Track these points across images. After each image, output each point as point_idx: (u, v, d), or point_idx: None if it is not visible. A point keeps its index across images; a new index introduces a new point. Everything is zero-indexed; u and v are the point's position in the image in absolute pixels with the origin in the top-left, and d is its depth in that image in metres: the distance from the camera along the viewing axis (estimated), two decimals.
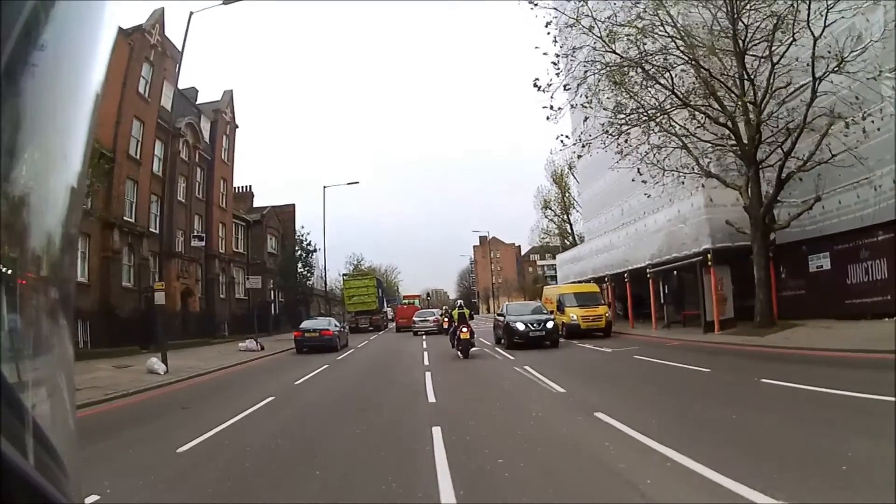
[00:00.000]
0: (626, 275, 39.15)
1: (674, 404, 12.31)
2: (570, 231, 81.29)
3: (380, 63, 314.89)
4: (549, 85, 28.21)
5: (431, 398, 14.74)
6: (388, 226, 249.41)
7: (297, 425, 12.33)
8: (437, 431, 10.31)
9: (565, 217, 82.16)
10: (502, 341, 29.55)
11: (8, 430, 0.87)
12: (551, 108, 28.75)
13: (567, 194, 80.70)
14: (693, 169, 29.05)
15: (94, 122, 1.22)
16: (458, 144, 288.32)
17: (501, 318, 30.40)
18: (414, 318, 51.86)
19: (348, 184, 57.25)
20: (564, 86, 28.91)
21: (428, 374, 19.23)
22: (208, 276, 49.36)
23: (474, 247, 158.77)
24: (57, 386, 1.20)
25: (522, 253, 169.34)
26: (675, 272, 35.86)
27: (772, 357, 19.57)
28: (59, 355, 1.20)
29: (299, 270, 49.17)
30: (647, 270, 35.25)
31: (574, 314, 33.02)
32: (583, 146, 30.86)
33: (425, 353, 27.91)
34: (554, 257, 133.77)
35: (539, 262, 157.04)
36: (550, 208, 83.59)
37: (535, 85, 28.12)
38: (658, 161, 29.15)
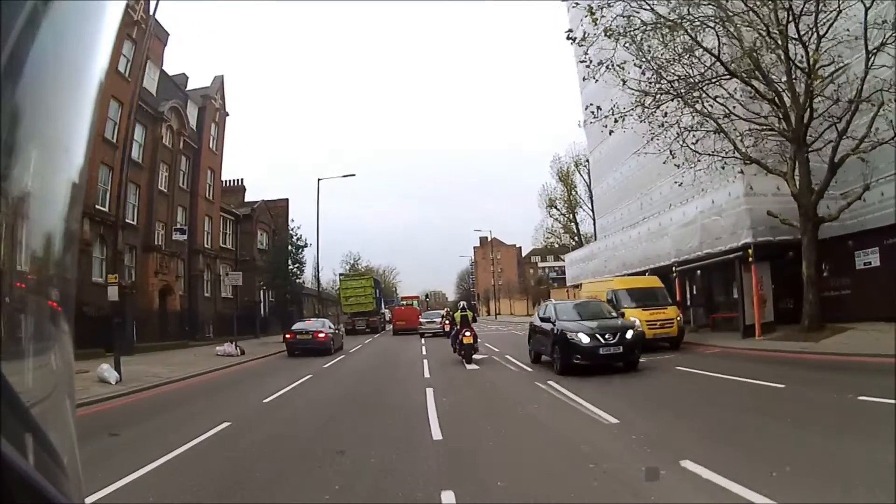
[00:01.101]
0: (646, 273, 35.14)
1: (774, 436, 9.23)
2: (576, 231, 79.45)
3: (380, 61, 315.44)
4: (585, 37, 25.85)
5: (436, 433, 10.73)
6: (387, 226, 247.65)
7: (244, 476, 8.61)
8: (448, 499, 6.83)
9: (571, 217, 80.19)
10: (553, 361, 19.35)
11: (8, 430, 0.86)
12: (588, 63, 26.32)
13: (573, 193, 79.02)
14: (731, 153, 26.02)
15: (94, 122, 1.23)
16: (458, 145, 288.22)
17: (548, 325, 20.05)
18: (420, 320, 50.74)
19: (344, 176, 54.77)
20: (606, 31, 25.16)
21: (430, 393, 15.51)
22: (192, 272, 45.86)
23: (474, 248, 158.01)
24: (57, 386, 1.17)
25: (523, 254, 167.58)
26: (698, 271, 33.32)
27: (843, 367, 16.51)
28: (59, 355, 1.16)
29: (290, 268, 45.56)
30: (673, 268, 32.08)
31: (636, 318, 22.90)
32: (615, 120, 27.32)
33: (425, 362, 24.40)
34: (556, 259, 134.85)
35: (540, 264, 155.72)
36: (556, 207, 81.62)
37: (568, 38, 26.89)
38: (692, 144, 26.32)
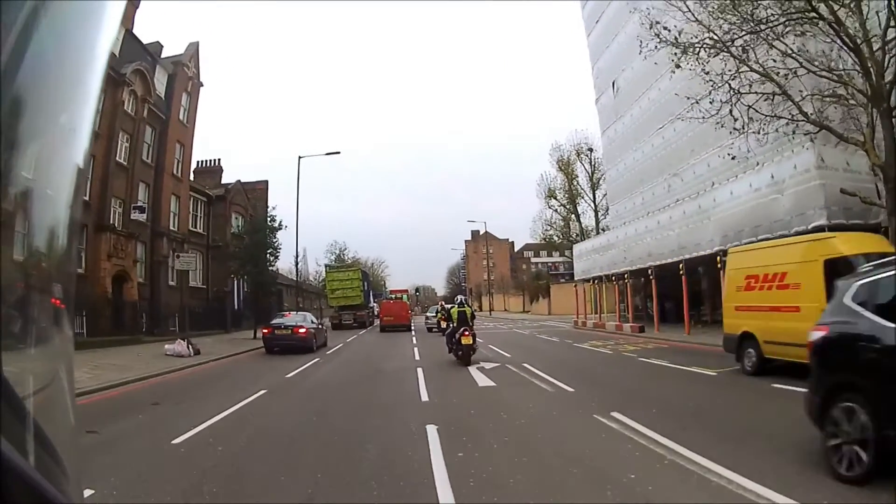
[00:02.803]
0: (681, 265, 31.03)
1: None
2: (577, 222, 76.08)
3: (370, 53, 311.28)
4: None
5: None
6: (374, 220, 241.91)
7: None
8: None
9: (572, 208, 76.34)
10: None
11: (8, 430, 0.88)
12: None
13: (574, 183, 75.35)
14: (796, 117, 21.19)
15: (94, 121, 1.33)
16: (449, 139, 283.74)
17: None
18: (427, 314, 50.45)
19: (327, 154, 48.66)
20: None
21: (433, 439, 9.89)
22: (154, 257, 40.55)
23: (466, 241, 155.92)
24: (57, 386, 1.21)
25: (516, 250, 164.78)
26: None
27: None
28: (60, 355, 1.23)
29: (264, 253, 40.14)
30: (719, 258, 26.74)
31: None
32: (683, 51, 21.92)
33: (419, 374, 19.26)
34: (550, 254, 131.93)
35: (534, 259, 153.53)
36: (555, 197, 77.57)
37: None
38: (747, 109, 21.89)
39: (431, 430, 10.38)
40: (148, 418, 12.88)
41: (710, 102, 23.08)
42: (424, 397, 14.86)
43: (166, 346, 26.57)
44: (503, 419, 11.66)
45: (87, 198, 31.82)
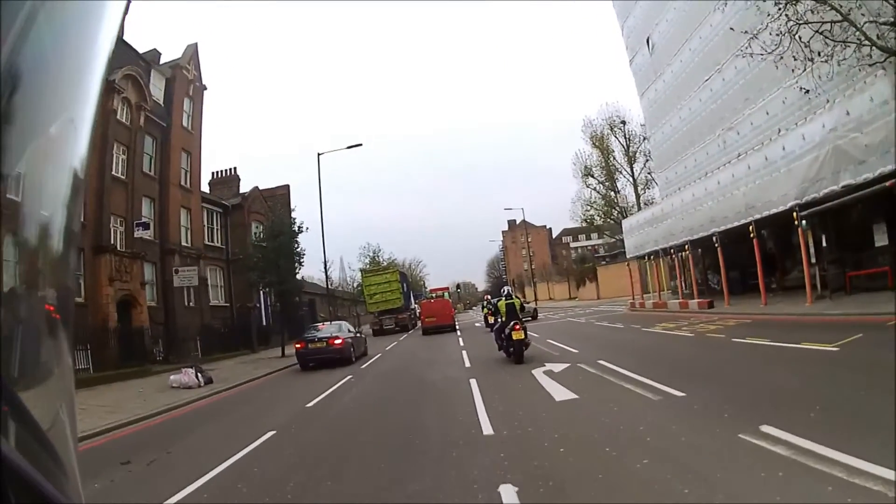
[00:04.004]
0: (751, 227, 27.31)
1: None
2: (615, 200, 73.01)
3: (391, 47, 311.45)
4: None
5: None
6: (407, 220, 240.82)
7: None
8: None
9: (611, 184, 73.24)
10: None
11: (8, 431, 0.89)
12: None
13: (611, 158, 72.31)
14: (863, 43, 19.32)
15: (95, 121, 1.23)
16: (477, 128, 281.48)
17: None
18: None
19: (348, 147, 44.51)
20: None
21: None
22: (166, 277, 37.27)
23: (503, 232, 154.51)
24: (57, 386, 1.18)
25: (553, 236, 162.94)
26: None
27: None
28: (59, 356, 1.17)
29: (282, 261, 36.37)
30: (796, 213, 23.85)
31: None
32: None
33: (473, 384, 15.52)
34: (589, 237, 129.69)
35: (573, 244, 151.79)
36: (593, 175, 74.24)
37: None
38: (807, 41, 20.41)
39: (509, 495, 6.71)
40: (103, 488, 9.28)
41: (770, 34, 21.41)
42: (487, 428, 10.45)
43: (171, 377, 23.33)
44: (613, 458, 7.74)
45: (81, 218, 28.52)
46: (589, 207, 76.22)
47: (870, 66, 19.59)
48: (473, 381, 15.94)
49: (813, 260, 25.16)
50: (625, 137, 70.14)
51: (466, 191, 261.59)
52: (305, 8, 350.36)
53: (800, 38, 20.08)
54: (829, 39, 19.64)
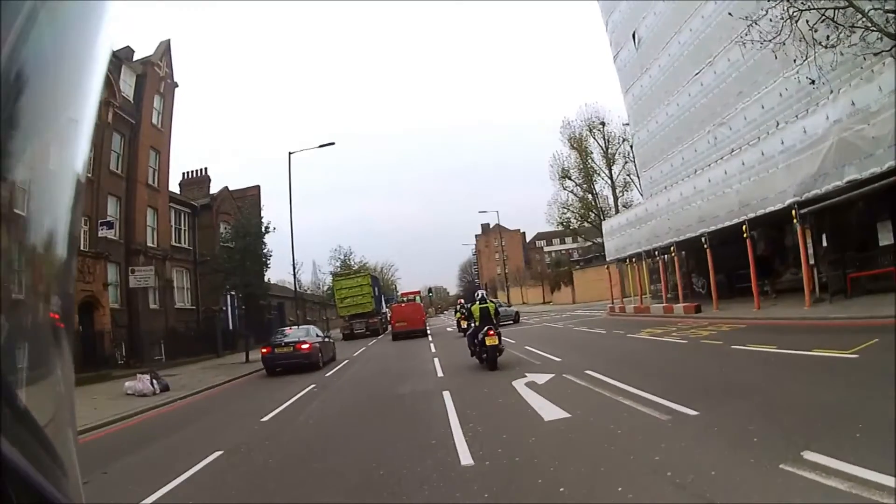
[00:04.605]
0: (744, 227, 26.04)
1: None
2: (592, 202, 72.62)
3: (368, 48, 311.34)
4: None
5: None
6: (378, 224, 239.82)
7: None
8: None
9: (587, 186, 72.91)
10: None
11: (8, 431, 0.89)
12: None
13: (589, 160, 72.03)
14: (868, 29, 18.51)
15: (95, 122, 1.24)
16: (451, 133, 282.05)
17: None
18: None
19: (321, 146, 43.39)
20: None
21: None
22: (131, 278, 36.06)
23: (476, 236, 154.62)
24: (57, 387, 1.18)
25: (527, 240, 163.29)
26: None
27: None
28: (59, 356, 1.17)
29: (248, 263, 34.97)
30: (794, 211, 22.84)
31: None
32: None
33: (448, 398, 13.94)
34: (563, 241, 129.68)
35: (546, 248, 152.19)
36: (570, 178, 73.88)
37: None
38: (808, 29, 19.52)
39: None
40: None
41: (771, 21, 20.51)
42: (465, 456, 8.73)
43: (125, 384, 22.02)
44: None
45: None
46: (565, 210, 76.12)
47: (875, 55, 18.67)
48: (447, 395, 14.49)
49: (811, 261, 23.95)
50: (604, 139, 70.04)
51: (440, 194, 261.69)
52: (284, 6, 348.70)
53: (807, 21, 19.15)
54: (836, 22, 18.73)
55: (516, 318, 46.56)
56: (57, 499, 0.94)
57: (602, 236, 49.12)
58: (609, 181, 69.84)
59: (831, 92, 21.58)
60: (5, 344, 0.93)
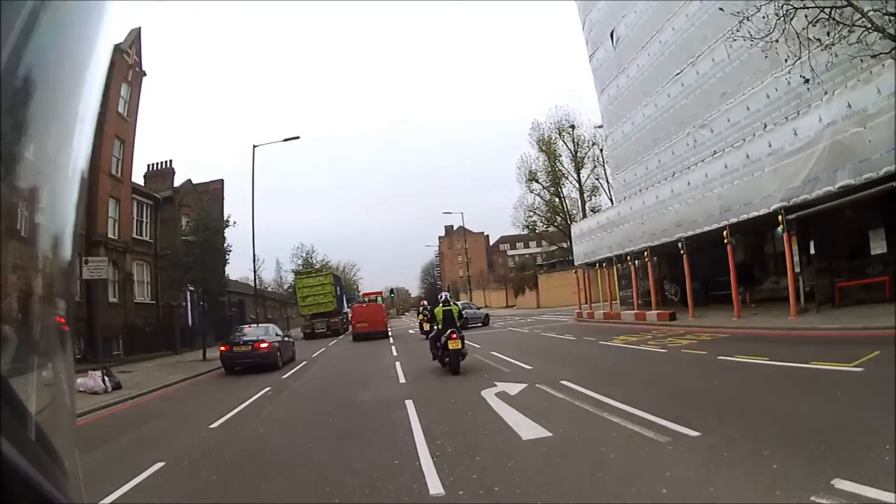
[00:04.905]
0: (725, 231, 25.50)
1: None
2: (561, 206, 72.94)
3: (333, 44, 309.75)
4: None
5: None
6: (342, 224, 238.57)
7: None
8: None
9: (555, 190, 73.25)
10: None
11: (8, 430, 0.89)
12: None
13: (557, 163, 72.29)
14: (867, 30, 18.14)
15: (96, 122, 1.27)
16: (418, 134, 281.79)
17: None
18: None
19: (285, 140, 42.95)
20: None
21: None
22: None
23: (440, 238, 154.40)
24: (57, 387, 1.20)
25: (491, 243, 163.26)
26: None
27: None
28: (60, 357, 1.20)
29: (206, 257, 33.85)
30: (780, 217, 22.40)
31: None
32: None
33: (411, 408, 12.92)
34: (527, 245, 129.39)
35: (510, 252, 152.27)
36: (537, 181, 74.21)
37: None
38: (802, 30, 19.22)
39: None
40: None
41: (764, 17, 20.12)
42: (434, 484, 7.50)
43: (78, 381, 20.49)
44: None
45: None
46: (532, 213, 76.33)
47: (873, 56, 18.29)
48: (410, 404, 13.44)
49: (797, 269, 23.30)
50: (573, 142, 70.30)
51: (405, 196, 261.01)
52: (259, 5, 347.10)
53: (805, 16, 18.77)
54: (834, 21, 18.33)
55: (486, 321, 46.00)
56: (57, 499, 0.94)
57: (569, 240, 48.73)
58: (577, 185, 69.80)
59: (825, 93, 21.16)
60: (5, 344, 0.92)
